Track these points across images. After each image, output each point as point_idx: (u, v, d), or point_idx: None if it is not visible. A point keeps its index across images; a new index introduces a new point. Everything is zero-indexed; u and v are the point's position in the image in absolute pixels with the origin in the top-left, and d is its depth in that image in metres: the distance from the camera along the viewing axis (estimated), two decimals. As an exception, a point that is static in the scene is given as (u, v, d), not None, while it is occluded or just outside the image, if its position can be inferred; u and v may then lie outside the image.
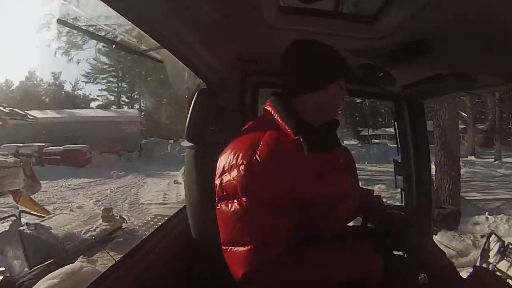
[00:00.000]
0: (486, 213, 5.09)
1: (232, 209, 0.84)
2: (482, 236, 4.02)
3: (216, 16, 0.91)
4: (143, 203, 7.06)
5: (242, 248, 0.82)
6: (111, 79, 20.18)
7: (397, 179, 1.74)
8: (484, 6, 0.77)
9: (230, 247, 0.84)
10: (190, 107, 1.16)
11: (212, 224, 0.93)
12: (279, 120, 0.91)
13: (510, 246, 2.59)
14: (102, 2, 0.66)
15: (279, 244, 0.83)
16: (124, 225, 4.42)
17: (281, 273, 0.84)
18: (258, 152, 0.84)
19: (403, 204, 1.72)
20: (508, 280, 2.52)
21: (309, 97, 0.94)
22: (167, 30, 0.84)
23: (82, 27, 1.40)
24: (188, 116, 1.14)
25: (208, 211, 0.99)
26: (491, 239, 2.47)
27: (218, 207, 0.87)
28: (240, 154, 0.85)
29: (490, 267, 2.44)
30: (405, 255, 1.16)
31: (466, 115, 18.06)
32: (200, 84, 1.30)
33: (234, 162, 0.85)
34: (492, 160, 15.27)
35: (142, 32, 0.86)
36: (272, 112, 0.94)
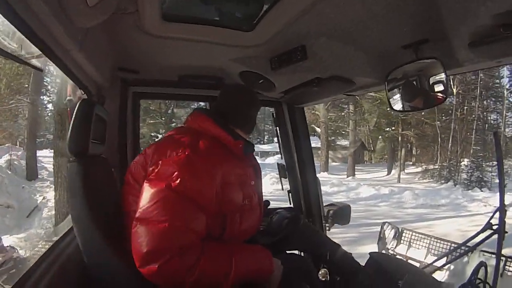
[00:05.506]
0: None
1: (159, 188, 0.89)
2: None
3: (92, 22, 0.84)
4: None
5: (156, 226, 0.83)
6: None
7: (283, 182, 1.84)
8: (359, 13, 0.87)
9: (143, 223, 0.84)
10: (71, 119, 1.08)
11: (103, 243, 0.89)
12: (219, 128, 1.07)
13: (404, 231, 3.01)
14: None
15: (192, 232, 0.87)
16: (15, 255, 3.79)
17: (186, 264, 0.84)
18: (199, 147, 0.97)
19: (291, 206, 1.80)
20: (409, 261, 2.90)
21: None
22: (46, 34, 0.76)
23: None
24: (70, 128, 1.07)
25: (97, 226, 0.95)
26: (385, 227, 2.80)
27: (146, 183, 0.93)
28: (183, 146, 0.96)
29: (390, 252, 2.76)
30: (302, 253, 1.21)
31: (319, 129, 15.93)
32: (81, 96, 1.18)
33: (176, 151, 0.95)
34: (345, 176, 14.86)
35: (23, 37, 0.77)
36: (208, 122, 1.08)
